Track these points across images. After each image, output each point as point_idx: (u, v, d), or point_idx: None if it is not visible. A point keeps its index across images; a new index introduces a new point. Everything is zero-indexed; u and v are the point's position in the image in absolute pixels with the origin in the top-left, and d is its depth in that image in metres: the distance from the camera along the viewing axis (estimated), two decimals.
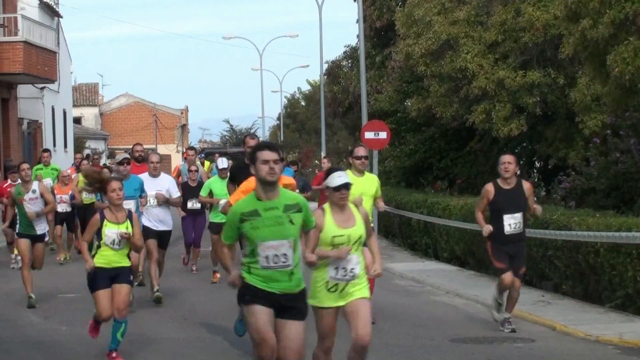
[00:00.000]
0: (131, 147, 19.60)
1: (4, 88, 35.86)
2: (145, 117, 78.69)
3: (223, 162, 17.99)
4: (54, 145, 43.78)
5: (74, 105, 57.99)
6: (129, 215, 11.00)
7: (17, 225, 15.33)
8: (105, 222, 10.78)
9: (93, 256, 10.85)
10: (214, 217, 17.54)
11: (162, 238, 15.43)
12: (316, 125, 66.79)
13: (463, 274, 19.72)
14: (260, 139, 71.05)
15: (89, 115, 75.20)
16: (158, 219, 15.32)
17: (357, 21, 32.29)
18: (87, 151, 57.45)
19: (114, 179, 11.08)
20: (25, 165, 15.85)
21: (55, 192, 21.60)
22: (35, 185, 15.51)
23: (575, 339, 12.33)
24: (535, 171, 30.07)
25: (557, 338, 12.53)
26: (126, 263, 10.97)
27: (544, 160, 29.75)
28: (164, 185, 15.39)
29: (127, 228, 10.82)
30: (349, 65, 42.47)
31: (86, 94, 75.83)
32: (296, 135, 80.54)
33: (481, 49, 27.46)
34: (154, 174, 15.54)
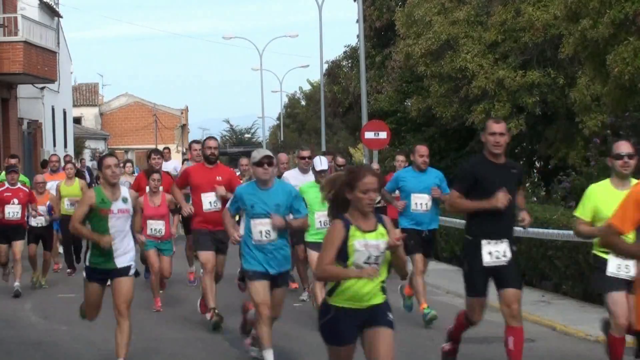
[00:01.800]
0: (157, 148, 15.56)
1: (4, 88, 35.85)
2: (145, 117, 78.65)
3: (322, 163, 12.95)
4: (54, 145, 43.76)
5: (74, 105, 57.99)
6: (379, 218, 7.31)
7: (88, 255, 10.21)
8: (351, 231, 7.08)
9: (331, 291, 7.19)
10: (311, 237, 13.23)
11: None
12: (316, 125, 66.81)
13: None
14: (258, 139, 70.17)
15: (89, 115, 75.18)
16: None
17: (357, 21, 32.31)
18: (87, 151, 57.43)
19: (370, 171, 7.24)
20: (111, 160, 10.10)
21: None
22: (125, 191, 10.15)
23: (575, 339, 12.32)
24: (535, 171, 30.06)
25: (557, 338, 12.53)
26: (380, 299, 7.24)
27: (544, 160, 29.76)
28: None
29: (382, 237, 7.18)
30: (349, 65, 42.50)
31: (86, 94, 75.80)
32: (296, 135, 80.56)
33: (481, 49, 27.49)
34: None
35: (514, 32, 27.18)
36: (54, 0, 43.67)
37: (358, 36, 32.91)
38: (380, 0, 38.12)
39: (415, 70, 30.11)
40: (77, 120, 64.77)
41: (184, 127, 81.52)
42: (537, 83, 26.66)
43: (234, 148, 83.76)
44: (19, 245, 16.75)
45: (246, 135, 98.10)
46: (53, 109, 44.02)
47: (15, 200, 16.59)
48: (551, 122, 27.85)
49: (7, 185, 16.81)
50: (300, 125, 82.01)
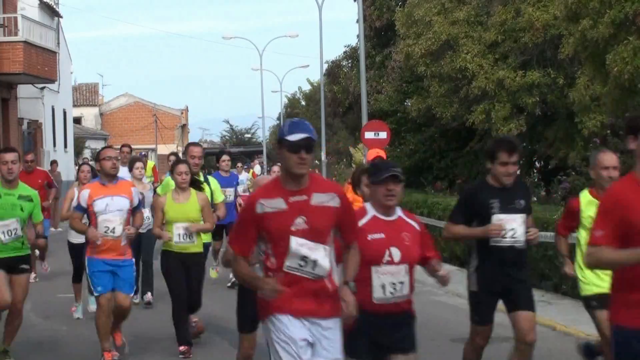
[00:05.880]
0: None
1: (4, 88, 35.85)
2: (145, 117, 78.64)
3: None
4: (54, 145, 43.77)
5: (74, 105, 57.98)
6: None
7: None
8: None
9: None
10: None
11: None
12: (316, 125, 66.77)
13: (463, 274, 19.68)
14: (260, 140, 70.20)
15: (89, 115, 75.18)
16: None
17: (357, 21, 32.31)
18: (87, 152, 57.43)
19: None
20: None
21: None
22: None
23: (575, 339, 12.31)
24: (535, 171, 30.06)
25: (557, 338, 12.53)
26: None
27: (544, 161, 29.77)
28: None
29: None
30: (349, 65, 42.52)
31: (86, 94, 75.80)
32: None
33: (481, 49, 27.50)
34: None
35: (514, 32, 27.18)
36: (54, 0, 43.66)
37: (358, 36, 32.91)
38: (380, 0, 38.13)
39: (415, 70, 30.11)
40: (77, 120, 64.77)
41: (184, 127, 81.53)
42: (537, 83, 26.66)
43: (234, 148, 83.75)
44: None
45: (246, 135, 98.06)
46: (53, 109, 44.00)
47: None
48: (551, 122, 27.86)
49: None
50: None
